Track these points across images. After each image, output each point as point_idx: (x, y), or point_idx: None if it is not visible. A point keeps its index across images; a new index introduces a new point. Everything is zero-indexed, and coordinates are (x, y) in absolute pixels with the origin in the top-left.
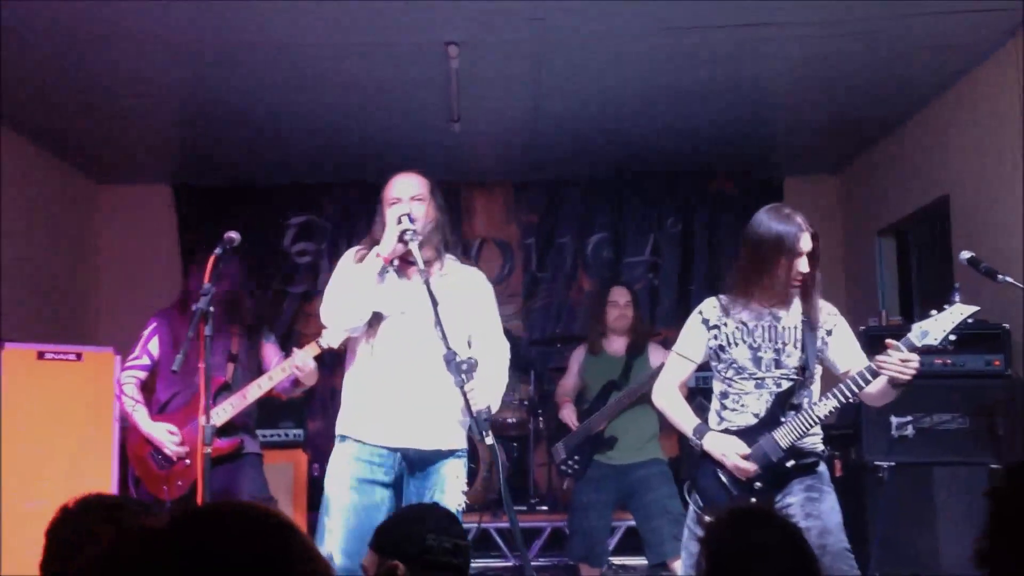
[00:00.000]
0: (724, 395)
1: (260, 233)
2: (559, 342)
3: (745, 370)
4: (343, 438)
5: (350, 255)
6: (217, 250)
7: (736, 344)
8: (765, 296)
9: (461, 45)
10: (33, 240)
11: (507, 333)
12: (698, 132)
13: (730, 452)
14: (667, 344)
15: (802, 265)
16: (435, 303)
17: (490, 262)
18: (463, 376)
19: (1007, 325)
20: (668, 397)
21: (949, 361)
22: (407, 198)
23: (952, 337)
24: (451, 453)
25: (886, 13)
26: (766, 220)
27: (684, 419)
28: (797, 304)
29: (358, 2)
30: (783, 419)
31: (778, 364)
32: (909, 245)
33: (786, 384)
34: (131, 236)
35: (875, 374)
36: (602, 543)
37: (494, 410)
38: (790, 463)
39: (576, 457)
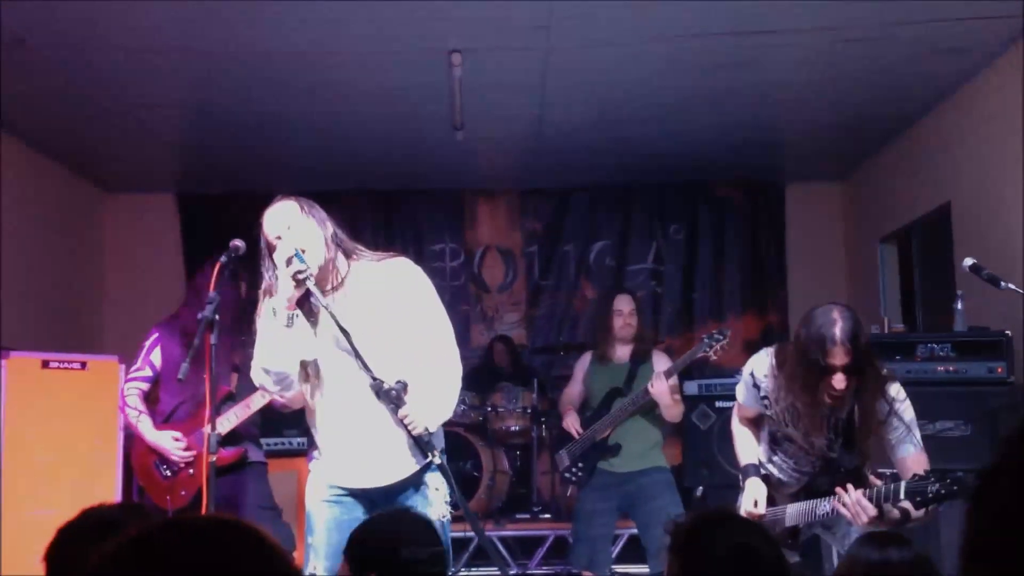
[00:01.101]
0: (775, 441)
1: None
2: (562, 350)
3: (796, 443)
4: (315, 467)
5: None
6: (222, 258)
7: (787, 425)
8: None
9: (465, 53)
10: (38, 248)
11: (508, 341)
12: (702, 139)
13: (746, 503)
14: (671, 351)
15: (836, 382)
16: (347, 334)
17: (493, 270)
18: (394, 404)
19: (1009, 332)
20: (738, 429)
21: (952, 368)
22: (285, 231)
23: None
24: (422, 472)
25: (888, 20)
26: (805, 322)
27: (742, 453)
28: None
29: (362, 11)
30: (803, 500)
31: (831, 448)
32: (911, 252)
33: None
34: (137, 245)
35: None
36: (605, 551)
37: (433, 428)
38: (788, 542)
39: (580, 465)
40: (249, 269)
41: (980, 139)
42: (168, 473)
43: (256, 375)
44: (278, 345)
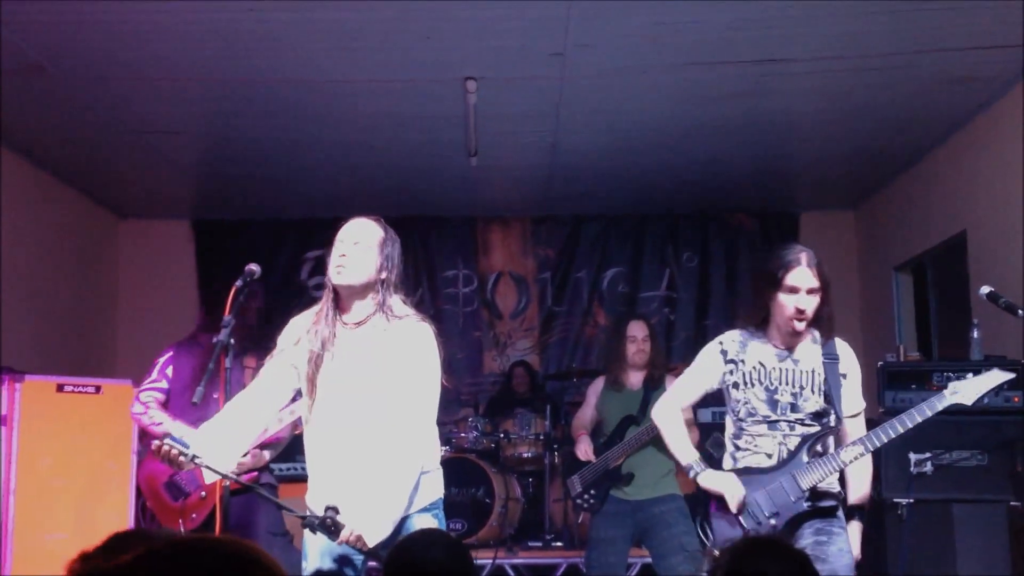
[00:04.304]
0: (736, 436)
1: (277, 267)
2: (575, 376)
3: (758, 412)
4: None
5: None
6: (238, 283)
7: (752, 384)
8: (772, 333)
9: (479, 80)
10: (54, 273)
11: (528, 367)
12: (715, 167)
13: (729, 492)
14: None
15: (800, 302)
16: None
17: (506, 296)
18: (330, 534)
19: None
20: (669, 417)
21: None
22: (351, 246)
23: (985, 400)
24: (413, 514)
25: (904, 50)
26: (769, 254)
27: (680, 448)
28: (816, 346)
29: (377, 39)
30: (807, 461)
31: (794, 408)
32: (927, 280)
33: (800, 428)
34: (151, 270)
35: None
36: None
37: (385, 534)
38: (807, 504)
39: (592, 491)
40: (264, 292)
41: (995, 168)
42: (178, 495)
43: None
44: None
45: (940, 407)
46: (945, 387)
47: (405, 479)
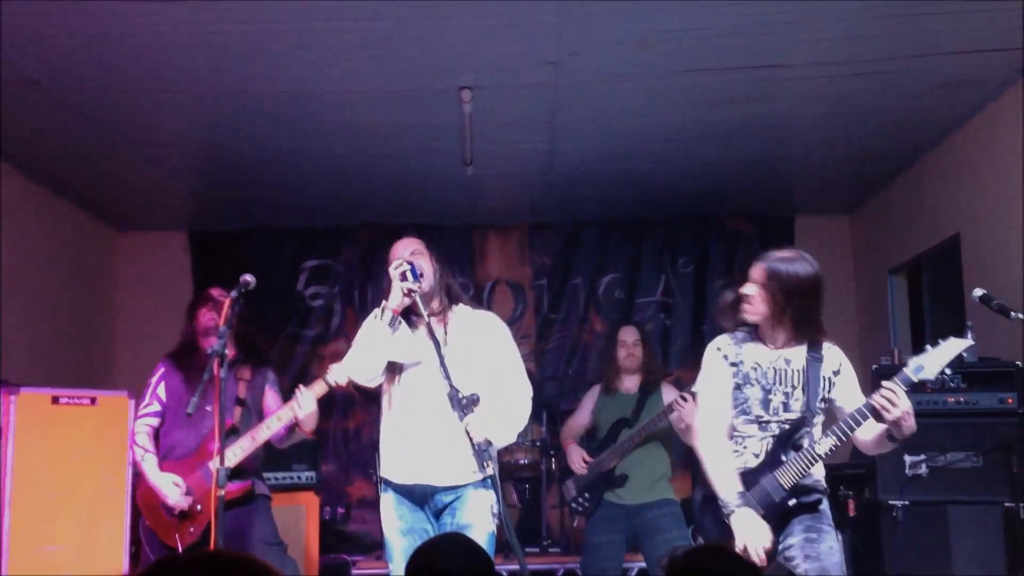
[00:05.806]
0: (734, 430)
1: (274, 277)
2: (571, 382)
3: (751, 412)
4: (384, 483)
5: (374, 314)
6: (233, 293)
7: (751, 384)
8: (763, 334)
9: (475, 89)
10: (50, 286)
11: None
12: (711, 172)
13: (752, 542)
14: (680, 384)
15: (745, 288)
16: (438, 347)
17: (503, 304)
18: (463, 411)
19: (1020, 363)
20: (713, 448)
21: (962, 399)
22: (407, 254)
23: (948, 371)
24: (472, 484)
25: (897, 53)
26: (806, 260)
27: (722, 481)
28: (803, 348)
29: (372, 49)
30: (784, 459)
31: (786, 408)
32: (921, 284)
33: (788, 428)
34: (148, 282)
35: (872, 410)
36: None
37: (498, 443)
38: (792, 502)
39: (586, 495)
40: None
41: (989, 171)
42: (175, 511)
43: (348, 367)
44: (374, 343)
45: (905, 385)
46: (944, 385)
47: (523, 410)
